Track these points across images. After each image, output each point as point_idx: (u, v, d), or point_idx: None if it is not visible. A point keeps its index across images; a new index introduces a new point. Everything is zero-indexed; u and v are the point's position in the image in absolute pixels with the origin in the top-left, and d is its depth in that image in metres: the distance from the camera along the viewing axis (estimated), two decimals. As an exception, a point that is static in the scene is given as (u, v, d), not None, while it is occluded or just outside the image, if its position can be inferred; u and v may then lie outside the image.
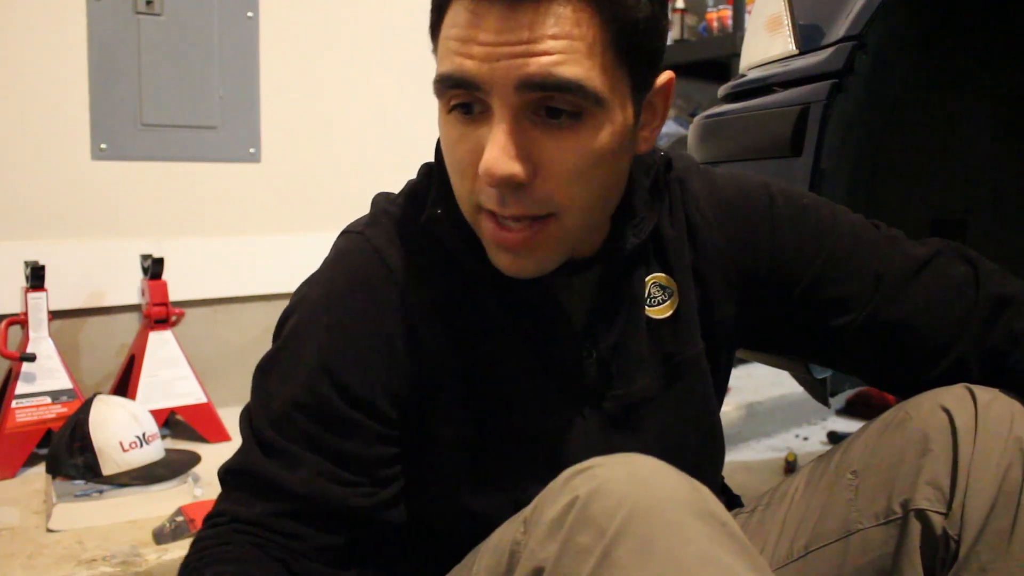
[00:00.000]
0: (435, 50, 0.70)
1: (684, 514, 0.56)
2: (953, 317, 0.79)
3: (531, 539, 0.61)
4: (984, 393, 0.73)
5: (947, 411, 0.73)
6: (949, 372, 0.79)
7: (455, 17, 0.65)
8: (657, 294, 0.81)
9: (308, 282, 0.78)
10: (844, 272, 0.81)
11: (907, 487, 0.72)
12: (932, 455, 0.72)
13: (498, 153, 0.64)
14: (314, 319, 0.74)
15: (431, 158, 0.79)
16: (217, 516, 0.72)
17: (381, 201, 0.81)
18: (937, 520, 0.70)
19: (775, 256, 0.83)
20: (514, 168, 0.64)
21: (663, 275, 0.81)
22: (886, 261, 0.81)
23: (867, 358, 0.84)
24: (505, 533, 0.67)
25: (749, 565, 0.56)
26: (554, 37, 0.62)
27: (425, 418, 0.76)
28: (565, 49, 0.62)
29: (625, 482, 0.58)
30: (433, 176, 0.77)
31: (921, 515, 0.71)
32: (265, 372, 0.75)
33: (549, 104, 0.64)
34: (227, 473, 0.74)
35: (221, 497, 0.74)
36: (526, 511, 0.64)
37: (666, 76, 0.73)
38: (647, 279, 0.80)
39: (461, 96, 0.66)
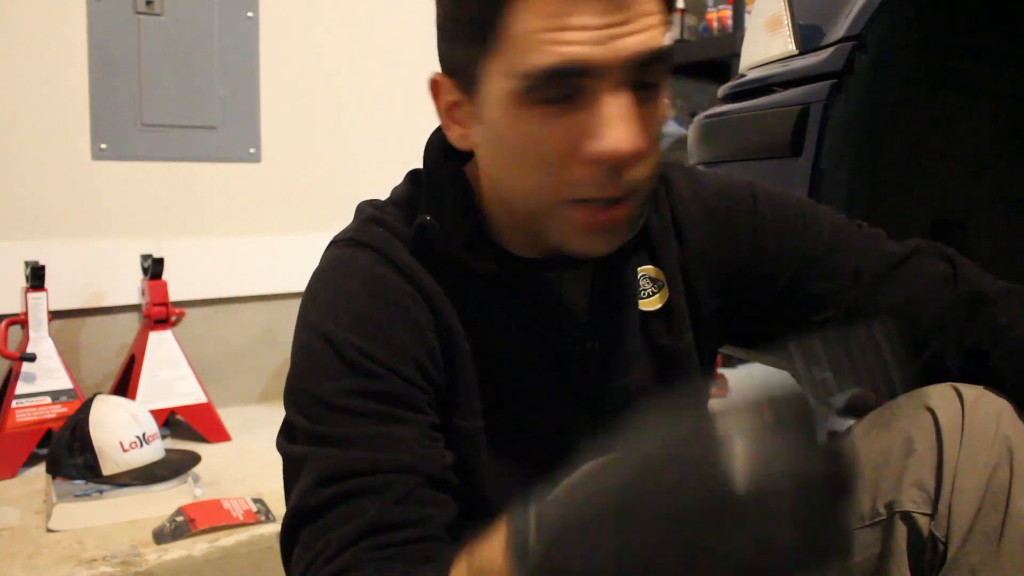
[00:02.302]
0: (480, 48, 0.65)
1: None
2: (930, 313, 0.79)
3: None
4: (970, 391, 0.72)
5: (931, 411, 0.72)
6: (927, 369, 0.79)
7: (537, 8, 0.62)
8: (647, 286, 0.81)
9: (310, 293, 0.75)
10: (823, 269, 0.82)
11: (892, 488, 0.71)
12: (916, 456, 0.71)
13: (628, 130, 0.64)
14: (335, 321, 0.71)
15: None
16: (321, 552, 0.64)
17: (367, 208, 0.79)
18: (923, 522, 0.69)
19: (757, 253, 0.83)
20: (641, 143, 0.65)
21: (652, 267, 0.82)
22: (865, 258, 0.82)
23: None
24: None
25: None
26: (647, 13, 0.64)
27: (446, 408, 0.75)
28: (657, 22, 0.64)
29: None
30: (422, 183, 0.77)
31: (906, 517, 0.70)
32: (302, 386, 0.71)
33: (644, 78, 0.65)
34: (307, 496, 0.66)
35: (314, 534, 0.65)
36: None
37: None
38: (638, 271, 0.81)
39: (560, 87, 0.64)
